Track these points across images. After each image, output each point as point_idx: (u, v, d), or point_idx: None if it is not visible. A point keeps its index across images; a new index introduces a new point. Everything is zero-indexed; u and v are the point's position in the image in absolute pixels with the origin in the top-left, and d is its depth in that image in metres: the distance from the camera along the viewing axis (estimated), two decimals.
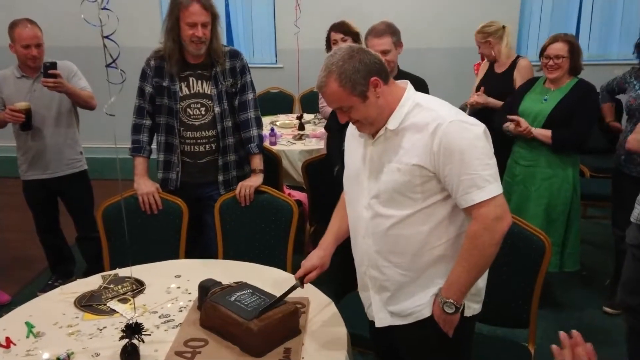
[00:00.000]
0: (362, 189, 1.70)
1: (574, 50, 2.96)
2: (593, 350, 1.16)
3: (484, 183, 1.51)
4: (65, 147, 3.30)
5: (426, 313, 1.68)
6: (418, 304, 1.68)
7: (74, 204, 3.45)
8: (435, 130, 1.53)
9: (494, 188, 1.53)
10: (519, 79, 3.58)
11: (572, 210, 3.09)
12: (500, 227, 1.54)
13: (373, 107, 1.59)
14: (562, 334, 1.19)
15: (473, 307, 1.72)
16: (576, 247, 3.15)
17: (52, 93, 3.12)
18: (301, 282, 1.88)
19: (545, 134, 2.98)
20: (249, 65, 2.79)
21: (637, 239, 2.37)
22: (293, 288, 1.86)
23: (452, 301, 1.60)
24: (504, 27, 3.73)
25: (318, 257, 1.89)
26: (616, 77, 3.42)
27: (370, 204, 1.67)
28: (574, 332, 1.19)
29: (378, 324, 1.76)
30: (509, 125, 3.08)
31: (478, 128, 1.56)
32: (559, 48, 2.96)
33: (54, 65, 2.99)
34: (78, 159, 3.38)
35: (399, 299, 1.71)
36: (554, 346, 1.19)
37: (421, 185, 1.58)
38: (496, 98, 3.60)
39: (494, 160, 1.56)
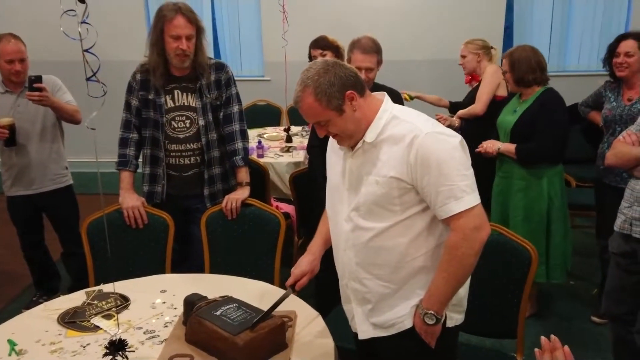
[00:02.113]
0: (342, 201, 1.71)
1: (514, 66, 3.02)
2: (571, 354, 1.20)
3: (462, 194, 1.52)
4: (50, 162, 3.27)
5: (407, 324, 1.68)
6: (399, 315, 1.68)
7: (59, 219, 3.41)
8: (411, 142, 1.54)
9: (471, 199, 1.54)
10: (482, 82, 3.79)
11: (551, 221, 3.07)
12: (479, 237, 1.55)
13: (350, 121, 1.60)
14: (542, 338, 1.24)
15: (455, 318, 1.72)
16: (559, 258, 3.11)
17: (37, 108, 3.10)
18: (293, 289, 1.88)
19: (509, 149, 3.03)
20: (236, 78, 2.79)
21: (620, 247, 2.39)
22: (285, 296, 1.86)
23: (432, 312, 1.61)
24: (494, 48, 3.95)
25: (307, 262, 1.89)
26: (592, 93, 3.49)
27: (351, 216, 1.68)
28: (553, 336, 1.23)
29: (361, 337, 1.76)
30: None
31: (454, 139, 1.57)
32: (504, 63, 3.11)
33: (39, 79, 2.97)
34: (63, 174, 3.35)
35: (380, 310, 1.71)
36: (536, 349, 1.23)
37: (399, 197, 1.59)
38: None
39: (471, 171, 1.57)
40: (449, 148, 1.55)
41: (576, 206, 3.95)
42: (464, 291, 1.72)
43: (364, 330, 1.75)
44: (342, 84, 1.57)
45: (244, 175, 2.72)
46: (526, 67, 2.99)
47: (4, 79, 3.15)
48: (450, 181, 1.52)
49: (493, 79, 3.76)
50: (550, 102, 2.99)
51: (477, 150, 3.12)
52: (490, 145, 3.10)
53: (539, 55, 3.03)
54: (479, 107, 3.76)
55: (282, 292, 1.92)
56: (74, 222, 3.38)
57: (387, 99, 1.69)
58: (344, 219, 1.70)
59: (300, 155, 4.00)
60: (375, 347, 1.77)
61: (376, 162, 1.61)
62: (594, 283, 3.60)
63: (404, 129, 1.58)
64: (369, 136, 1.62)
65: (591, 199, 3.36)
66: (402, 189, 1.58)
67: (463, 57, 3.98)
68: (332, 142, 1.79)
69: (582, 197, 3.89)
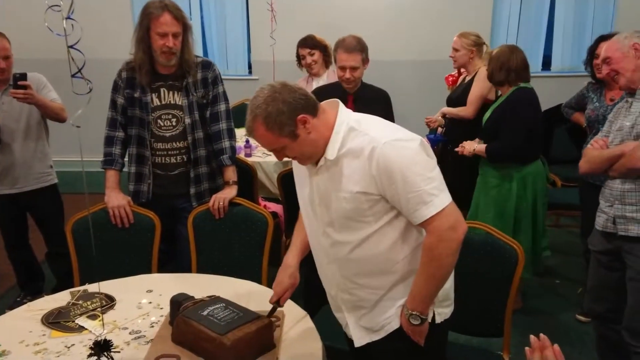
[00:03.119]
0: (316, 217, 1.70)
1: (489, 64, 3.10)
2: (560, 352, 1.21)
3: (430, 197, 1.51)
4: (35, 161, 3.23)
5: (395, 325, 1.69)
6: (387, 316, 1.69)
7: (43, 219, 3.36)
8: (371, 154, 1.52)
9: (440, 200, 1.52)
10: (474, 84, 3.70)
11: (518, 220, 3.11)
12: (455, 236, 1.54)
13: (306, 143, 1.57)
14: (532, 337, 1.24)
15: (444, 313, 1.73)
16: (528, 255, 3.15)
17: (21, 105, 3.06)
18: (277, 303, 1.87)
19: (481, 149, 3.08)
20: (224, 77, 2.78)
21: (602, 245, 2.41)
22: (272, 312, 1.85)
23: (417, 313, 1.61)
24: (486, 44, 3.88)
25: (287, 276, 1.87)
26: (575, 95, 3.51)
27: (327, 232, 1.67)
28: (542, 335, 1.24)
29: (357, 344, 1.75)
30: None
31: (414, 143, 1.55)
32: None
33: (24, 77, 2.93)
34: (48, 173, 3.30)
35: (371, 314, 1.71)
36: (527, 348, 1.24)
37: (370, 209, 1.58)
38: (459, 105, 3.76)
39: (436, 171, 1.56)
40: (409, 154, 1.53)
41: (561, 206, 3.99)
42: (449, 284, 1.71)
43: (359, 336, 1.74)
44: (291, 110, 1.53)
45: (231, 174, 2.71)
46: (494, 66, 3.05)
47: None
48: (417, 187, 1.50)
49: (485, 83, 3.63)
50: (517, 100, 3.02)
51: (457, 149, 3.16)
52: (468, 146, 3.14)
53: (512, 57, 3.03)
54: (470, 110, 3.66)
55: (270, 292, 1.91)
56: (59, 221, 3.34)
57: (341, 108, 1.64)
58: (321, 234, 1.69)
59: None
60: (369, 351, 1.77)
61: (340, 178, 1.58)
62: (579, 282, 3.64)
63: (361, 141, 1.55)
64: (329, 153, 1.58)
65: (576, 199, 3.39)
66: (371, 200, 1.57)
67: (455, 50, 3.82)
68: None
69: (567, 196, 3.92)
